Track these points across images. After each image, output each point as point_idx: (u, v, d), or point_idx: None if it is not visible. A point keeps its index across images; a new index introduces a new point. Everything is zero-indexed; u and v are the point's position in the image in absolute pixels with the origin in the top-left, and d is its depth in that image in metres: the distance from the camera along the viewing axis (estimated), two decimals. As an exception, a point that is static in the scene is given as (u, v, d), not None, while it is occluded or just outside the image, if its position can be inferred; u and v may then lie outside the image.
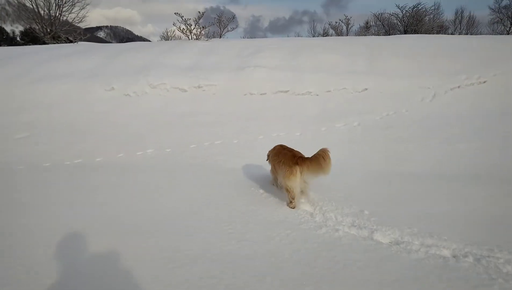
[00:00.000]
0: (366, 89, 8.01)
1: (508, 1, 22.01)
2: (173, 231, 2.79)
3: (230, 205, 3.35)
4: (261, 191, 3.80)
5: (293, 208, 3.31)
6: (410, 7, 21.30)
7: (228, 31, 17.94)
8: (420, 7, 21.29)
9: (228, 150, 5.80)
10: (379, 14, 22.53)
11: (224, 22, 17.75)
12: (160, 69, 9.08)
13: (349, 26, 25.86)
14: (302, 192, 3.40)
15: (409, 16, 21.62)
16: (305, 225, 2.91)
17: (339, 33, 24.28)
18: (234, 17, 17.96)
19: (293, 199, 3.30)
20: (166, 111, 7.72)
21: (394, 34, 18.48)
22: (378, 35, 21.59)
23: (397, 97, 7.72)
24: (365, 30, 24.80)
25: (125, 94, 8.44)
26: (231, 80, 8.59)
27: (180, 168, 5.12)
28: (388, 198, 3.53)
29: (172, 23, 15.12)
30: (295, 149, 3.56)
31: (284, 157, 3.43)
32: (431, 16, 22.89)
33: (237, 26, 17.08)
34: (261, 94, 8.16)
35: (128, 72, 9.14)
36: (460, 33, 25.57)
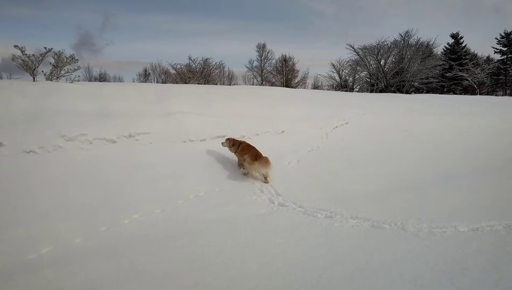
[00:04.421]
0: (283, 131, 9.67)
1: (257, 63, 33.92)
2: None
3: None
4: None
5: (246, 176, 6.91)
6: (202, 60, 26.21)
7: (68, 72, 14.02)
8: (209, 61, 26.72)
9: (225, 199, 5.82)
10: (175, 64, 26.32)
11: (62, 61, 14.64)
12: (67, 115, 7.34)
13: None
14: (264, 177, 6.70)
15: (201, 68, 26.43)
16: (445, 240, 3.92)
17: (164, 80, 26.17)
18: (73, 57, 13.65)
19: (247, 174, 6.90)
20: (105, 168, 6.45)
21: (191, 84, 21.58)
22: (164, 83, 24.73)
23: (305, 137, 9.80)
24: (144, 77, 28.05)
25: (27, 151, 6.33)
26: (162, 127, 8.14)
27: (201, 226, 4.82)
28: (418, 205, 5.12)
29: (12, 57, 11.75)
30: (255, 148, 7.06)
31: (250, 152, 6.86)
32: (218, 69, 29.03)
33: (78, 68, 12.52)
34: (201, 140, 8.24)
35: (14, 121, 6.82)
36: (223, 83, 33.46)
